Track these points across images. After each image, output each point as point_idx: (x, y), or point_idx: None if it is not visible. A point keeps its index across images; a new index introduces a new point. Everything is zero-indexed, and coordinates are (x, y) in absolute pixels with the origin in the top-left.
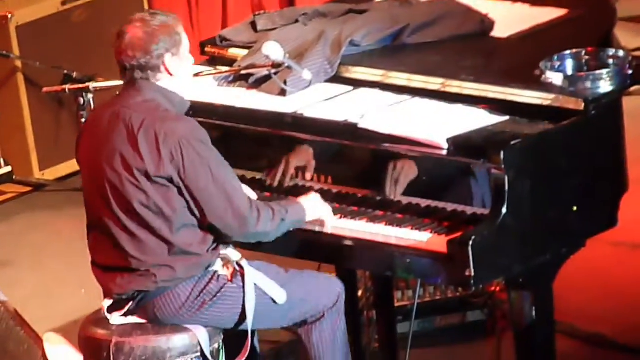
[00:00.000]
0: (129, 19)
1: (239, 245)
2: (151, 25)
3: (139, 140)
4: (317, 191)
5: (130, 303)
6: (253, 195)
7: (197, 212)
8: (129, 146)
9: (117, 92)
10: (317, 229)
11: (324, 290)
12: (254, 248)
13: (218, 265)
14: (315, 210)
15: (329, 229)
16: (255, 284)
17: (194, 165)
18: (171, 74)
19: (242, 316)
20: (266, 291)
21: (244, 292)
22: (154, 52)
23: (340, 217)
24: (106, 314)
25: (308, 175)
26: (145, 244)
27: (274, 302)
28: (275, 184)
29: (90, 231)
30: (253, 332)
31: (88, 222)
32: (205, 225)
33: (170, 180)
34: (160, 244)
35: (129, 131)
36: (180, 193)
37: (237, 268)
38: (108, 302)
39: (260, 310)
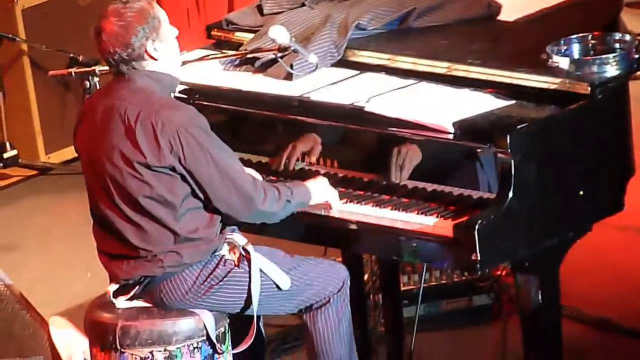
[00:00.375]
0: (103, 13)
1: (244, 230)
2: (126, 17)
3: (137, 133)
4: (323, 175)
5: (136, 287)
6: (259, 177)
7: (202, 197)
8: (127, 140)
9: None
10: (322, 212)
11: (330, 275)
12: (260, 232)
13: (224, 250)
14: (321, 193)
15: (335, 212)
16: (260, 269)
17: (193, 152)
18: (156, 59)
19: (248, 301)
20: (271, 277)
21: (249, 277)
22: (134, 44)
23: (346, 202)
24: (112, 298)
25: (314, 159)
26: (150, 234)
27: (279, 288)
28: (282, 167)
29: (94, 219)
30: (259, 317)
31: (91, 211)
32: (211, 209)
33: (173, 169)
34: (166, 232)
35: (125, 125)
36: (184, 180)
37: (243, 253)
38: (114, 287)
39: (265, 295)
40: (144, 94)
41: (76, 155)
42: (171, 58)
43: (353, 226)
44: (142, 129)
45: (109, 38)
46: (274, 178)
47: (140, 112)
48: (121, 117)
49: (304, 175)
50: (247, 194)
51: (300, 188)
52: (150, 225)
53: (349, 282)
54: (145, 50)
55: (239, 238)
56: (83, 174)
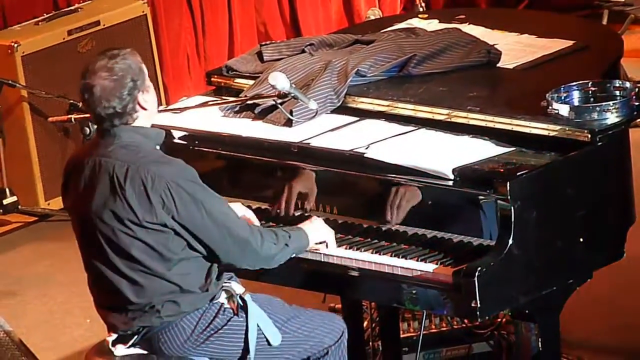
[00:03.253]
0: (90, 70)
1: (243, 276)
2: (117, 72)
3: (127, 191)
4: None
5: (135, 337)
6: (256, 222)
7: (199, 248)
8: (118, 198)
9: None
10: (322, 258)
11: (328, 328)
12: (258, 279)
13: (223, 298)
14: (317, 234)
15: (333, 251)
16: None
17: (186, 205)
18: (145, 109)
19: (245, 351)
20: (264, 331)
21: (246, 327)
22: (127, 96)
23: (346, 248)
24: (110, 347)
25: (313, 205)
26: (146, 287)
27: (269, 343)
28: (281, 213)
29: (89, 275)
30: None
31: (85, 267)
32: (208, 259)
33: (164, 225)
34: (162, 283)
35: (114, 184)
36: (177, 234)
37: (241, 303)
38: (112, 337)
39: (262, 346)
40: (130, 150)
41: None
42: (154, 107)
43: (353, 273)
44: (132, 185)
45: (102, 94)
46: (273, 224)
47: (129, 168)
48: (109, 175)
49: (303, 221)
50: (243, 239)
51: (297, 232)
52: (145, 279)
53: (346, 335)
54: (138, 102)
55: (237, 286)
56: (74, 232)
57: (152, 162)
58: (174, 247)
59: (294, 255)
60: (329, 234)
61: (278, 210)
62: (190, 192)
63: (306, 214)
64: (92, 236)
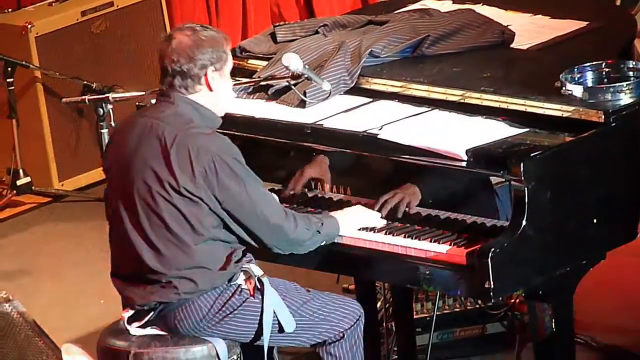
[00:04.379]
0: (179, 26)
1: (259, 258)
2: (200, 36)
3: (172, 156)
4: (336, 202)
5: (151, 313)
6: None
7: (233, 227)
8: (162, 160)
9: (138, 104)
10: (336, 239)
11: (344, 312)
12: (274, 260)
13: (241, 279)
14: (351, 224)
15: (383, 236)
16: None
17: (227, 181)
18: (211, 89)
19: (259, 332)
20: (278, 316)
21: (262, 309)
22: (198, 61)
23: (359, 229)
24: (126, 324)
25: (326, 186)
26: (166, 256)
27: (282, 329)
28: (296, 194)
29: (112, 240)
30: (271, 347)
31: (111, 231)
32: (235, 242)
33: (201, 199)
34: (184, 257)
35: (161, 145)
36: (211, 209)
37: (258, 285)
38: (128, 313)
39: (276, 330)
40: (183, 119)
41: (89, 182)
42: (221, 97)
43: (366, 254)
44: (177, 152)
45: (177, 46)
46: (286, 205)
47: (177, 135)
48: (158, 137)
49: (318, 202)
50: (277, 225)
51: (330, 220)
52: (169, 249)
53: (363, 319)
54: (205, 74)
55: (256, 269)
56: (104, 198)
57: (200, 134)
58: (206, 222)
59: (324, 243)
60: (369, 219)
61: (292, 192)
62: (233, 168)
63: (319, 195)
64: (127, 197)
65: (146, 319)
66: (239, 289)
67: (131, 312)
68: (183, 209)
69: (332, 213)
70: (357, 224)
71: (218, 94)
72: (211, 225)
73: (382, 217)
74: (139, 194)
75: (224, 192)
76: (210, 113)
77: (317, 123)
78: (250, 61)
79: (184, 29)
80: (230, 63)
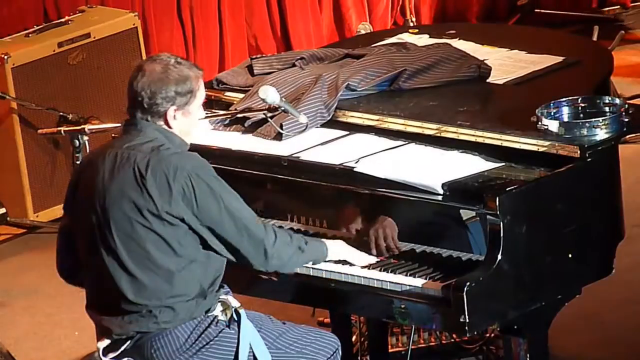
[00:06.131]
0: (155, 56)
1: (234, 290)
2: (168, 74)
3: (148, 182)
4: (312, 235)
5: (128, 342)
6: None
7: (214, 246)
8: (138, 188)
9: (114, 135)
10: (311, 272)
11: (321, 344)
12: (249, 293)
13: (217, 310)
14: (338, 253)
15: (359, 270)
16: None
17: (205, 198)
18: (170, 127)
19: None
20: (254, 350)
21: (238, 340)
22: (159, 99)
23: (335, 262)
24: (101, 355)
25: (302, 219)
26: (148, 288)
27: None
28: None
29: (86, 273)
30: None
31: (86, 264)
32: (219, 261)
33: (182, 220)
34: (163, 285)
35: (136, 173)
36: (191, 228)
37: (235, 316)
38: (104, 343)
39: None
40: (153, 144)
41: None
42: (184, 132)
43: (341, 287)
44: (153, 176)
45: (143, 79)
46: None
47: (150, 159)
48: (130, 165)
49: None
50: (258, 238)
51: (315, 242)
52: (150, 278)
53: (340, 352)
54: (166, 113)
55: (233, 300)
56: (70, 228)
57: (173, 154)
58: (187, 243)
59: (310, 264)
60: (353, 255)
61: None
62: (210, 185)
63: (295, 228)
64: (102, 229)
65: (122, 348)
66: (216, 320)
67: (107, 342)
68: (163, 234)
69: (324, 239)
70: (346, 256)
71: (178, 131)
72: (190, 245)
73: (374, 256)
74: (117, 225)
75: (203, 209)
76: (179, 139)
77: (293, 155)
78: (227, 93)
79: (156, 60)
80: (199, 99)
